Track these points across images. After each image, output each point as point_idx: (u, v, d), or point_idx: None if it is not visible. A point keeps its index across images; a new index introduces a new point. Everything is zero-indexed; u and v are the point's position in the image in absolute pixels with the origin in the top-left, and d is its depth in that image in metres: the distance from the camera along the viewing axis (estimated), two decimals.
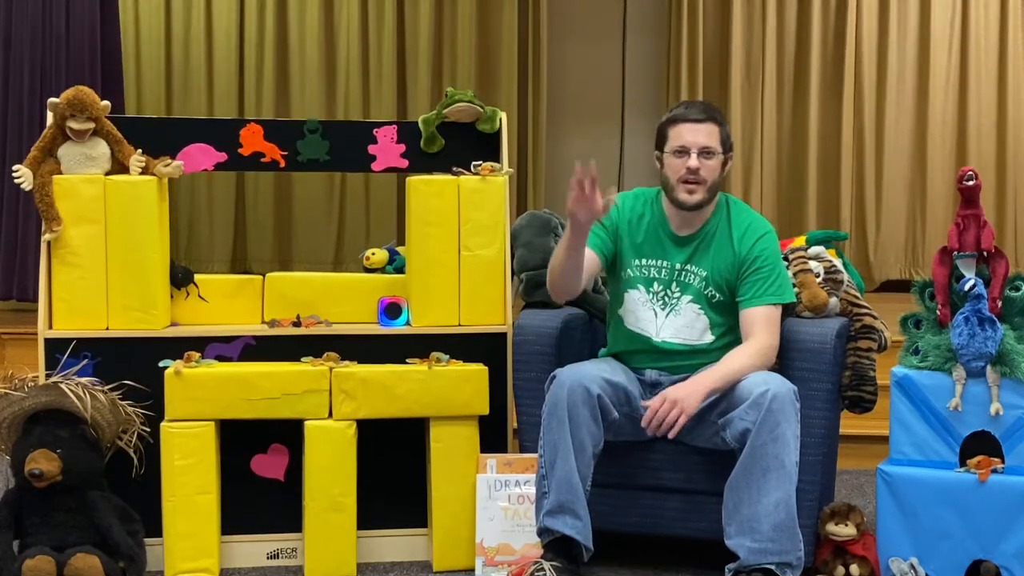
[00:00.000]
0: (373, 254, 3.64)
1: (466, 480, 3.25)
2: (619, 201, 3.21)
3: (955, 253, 3.06)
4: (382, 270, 3.62)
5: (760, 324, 3.06)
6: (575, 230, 2.93)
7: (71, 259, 3.25)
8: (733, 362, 3.02)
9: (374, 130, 3.55)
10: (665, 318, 3.15)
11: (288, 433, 3.26)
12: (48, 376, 3.16)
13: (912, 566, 3.01)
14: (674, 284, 3.14)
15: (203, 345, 3.30)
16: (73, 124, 3.26)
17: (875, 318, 3.32)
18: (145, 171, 3.30)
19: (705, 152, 3.09)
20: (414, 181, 3.44)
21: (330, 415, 3.22)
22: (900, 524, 3.03)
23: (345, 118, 6.81)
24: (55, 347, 3.23)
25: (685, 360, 3.14)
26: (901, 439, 3.07)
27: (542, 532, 3.02)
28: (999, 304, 3.01)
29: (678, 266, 3.14)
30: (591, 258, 3.12)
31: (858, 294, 3.39)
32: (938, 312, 3.07)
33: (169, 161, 3.33)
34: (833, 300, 3.26)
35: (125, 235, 3.26)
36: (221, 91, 6.94)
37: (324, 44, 6.99)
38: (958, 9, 7.05)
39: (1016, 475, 2.94)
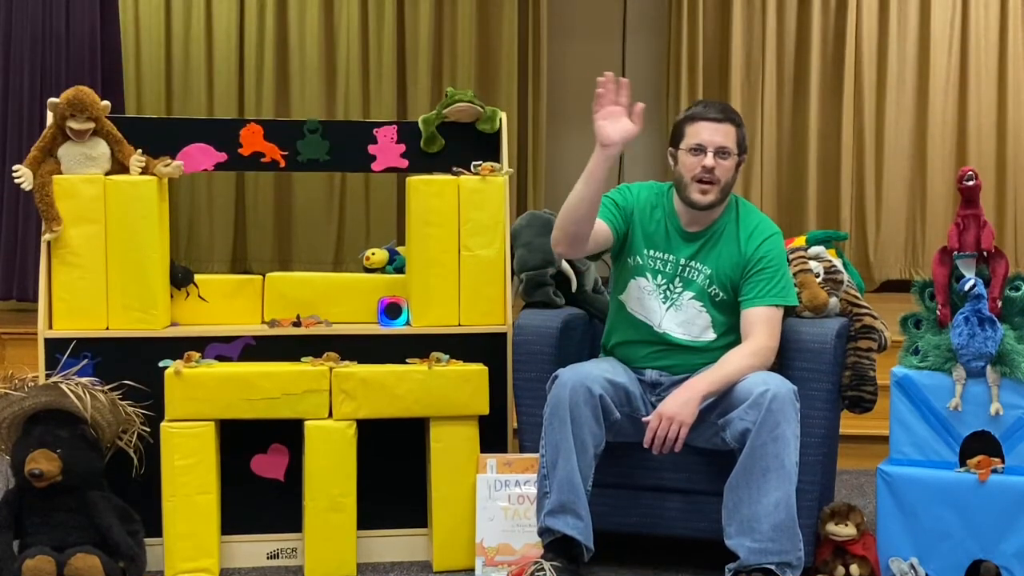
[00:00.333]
0: (373, 254, 3.64)
1: (466, 480, 3.25)
2: (634, 189, 3.21)
3: (955, 253, 3.06)
4: (382, 270, 3.62)
5: (760, 324, 3.06)
6: (601, 155, 2.89)
7: (71, 259, 3.25)
8: (729, 364, 3.01)
9: (374, 130, 3.54)
10: (666, 311, 3.15)
11: (288, 433, 3.26)
12: (48, 376, 3.16)
13: (912, 566, 3.01)
14: (677, 279, 3.14)
15: (203, 345, 3.30)
16: (73, 124, 3.26)
17: (875, 318, 3.32)
18: (145, 171, 3.30)
19: (721, 152, 3.08)
20: (414, 181, 3.44)
21: (330, 415, 3.22)
22: (900, 524, 3.03)
23: (345, 118, 6.81)
24: (55, 347, 3.23)
25: (685, 357, 3.13)
26: (901, 439, 3.07)
27: (543, 532, 3.02)
28: (999, 304, 3.01)
29: (683, 261, 3.14)
30: (603, 228, 3.09)
31: (858, 294, 3.39)
32: (938, 312, 3.07)
33: (169, 161, 3.33)
34: (833, 300, 3.26)
35: (125, 235, 3.26)
36: (221, 91, 6.95)
37: (324, 44, 7.00)
38: (958, 9, 7.06)
39: (1016, 475, 2.94)
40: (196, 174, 3.85)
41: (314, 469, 3.20)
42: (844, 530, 3.11)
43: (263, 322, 3.44)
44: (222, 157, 3.48)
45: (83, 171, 3.28)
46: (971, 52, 7.07)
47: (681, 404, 2.93)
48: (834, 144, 7.14)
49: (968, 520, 2.95)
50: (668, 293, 3.15)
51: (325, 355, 3.27)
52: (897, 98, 7.12)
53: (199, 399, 3.17)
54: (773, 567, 2.88)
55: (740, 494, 2.90)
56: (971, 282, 3.00)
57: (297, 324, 3.39)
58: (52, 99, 3.29)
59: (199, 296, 3.44)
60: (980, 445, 2.98)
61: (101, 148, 3.30)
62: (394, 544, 3.36)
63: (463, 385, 3.27)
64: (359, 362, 3.28)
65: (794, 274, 3.23)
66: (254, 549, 3.30)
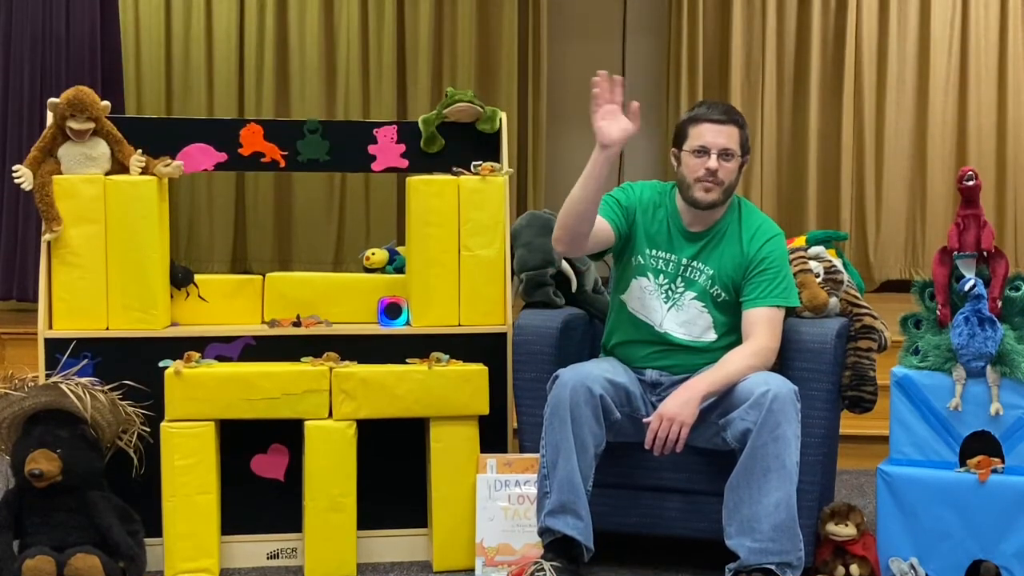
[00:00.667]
0: (373, 254, 3.64)
1: (466, 480, 3.25)
2: (636, 188, 3.22)
3: (955, 253, 3.06)
4: (382, 270, 3.62)
5: (760, 325, 3.06)
6: (601, 155, 2.90)
7: (71, 259, 3.25)
8: (729, 364, 3.01)
9: (374, 130, 3.54)
10: (667, 311, 3.15)
11: (288, 433, 3.26)
12: (48, 376, 3.16)
13: (912, 566, 3.01)
14: (679, 279, 3.14)
15: (203, 345, 3.30)
16: (73, 124, 3.26)
17: (875, 318, 3.32)
18: (145, 171, 3.30)
19: (725, 154, 3.08)
20: (414, 181, 3.44)
21: (330, 415, 3.22)
22: (900, 524, 3.03)
23: (345, 118, 6.82)
24: (55, 347, 3.23)
25: (686, 357, 3.13)
26: (901, 439, 3.07)
27: (543, 532, 3.02)
28: (999, 304, 3.01)
29: (685, 261, 3.14)
30: (604, 227, 3.09)
31: (858, 294, 3.39)
32: (938, 312, 3.07)
33: (169, 161, 3.33)
34: (833, 300, 3.26)
35: (125, 235, 3.26)
36: (221, 91, 6.95)
37: (324, 44, 7.00)
38: (958, 9, 7.06)
39: (1016, 475, 2.94)
40: (196, 174, 3.84)
41: (314, 469, 3.20)
42: (844, 530, 3.11)
43: (263, 322, 3.44)
44: (222, 157, 3.48)
45: (83, 171, 3.28)
46: (971, 52, 7.07)
47: (681, 404, 2.93)
48: (834, 144, 7.14)
49: (968, 520, 2.95)
50: (670, 293, 3.15)
51: (325, 355, 3.27)
52: (897, 98, 7.12)
53: (199, 399, 3.17)
54: (773, 567, 2.88)
55: (741, 494, 2.90)
56: (971, 282, 3.00)
57: (297, 324, 3.39)
58: (52, 99, 3.29)
59: (199, 296, 3.43)
60: (980, 445, 2.98)
61: (101, 148, 3.30)
62: (394, 544, 3.36)
63: (463, 385, 3.27)
64: (359, 362, 3.28)
65: (794, 274, 3.23)
66: (254, 549, 3.30)
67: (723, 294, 3.13)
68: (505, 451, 3.38)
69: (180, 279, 3.41)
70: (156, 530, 3.18)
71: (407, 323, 3.43)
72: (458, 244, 3.40)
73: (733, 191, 3.15)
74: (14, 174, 3.25)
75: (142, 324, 3.28)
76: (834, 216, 7.12)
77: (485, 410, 3.29)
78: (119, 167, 3.31)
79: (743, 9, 7.13)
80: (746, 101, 7.09)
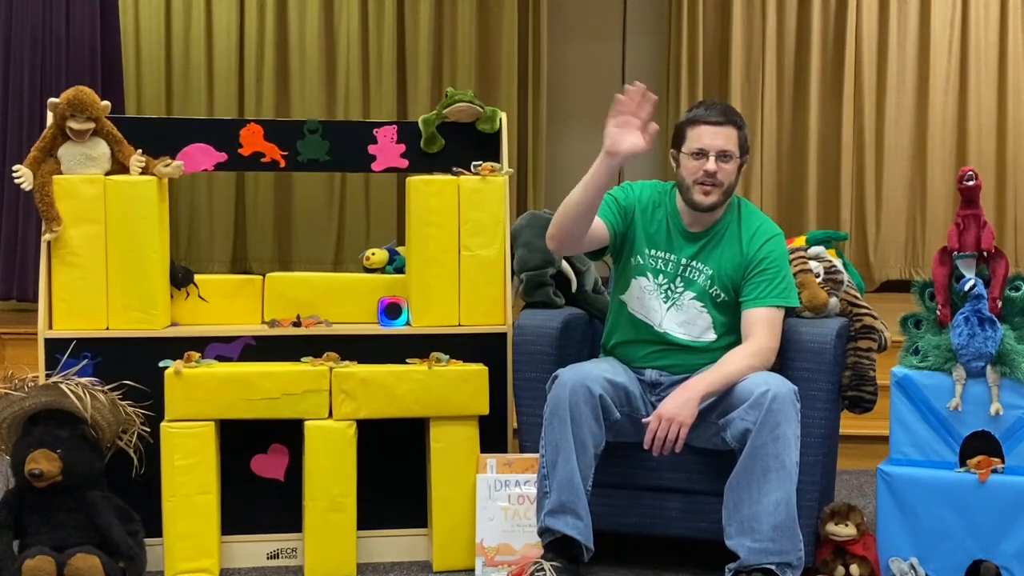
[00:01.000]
0: (373, 254, 3.64)
1: (466, 480, 3.25)
2: (636, 188, 3.22)
3: (955, 253, 3.06)
4: (382, 270, 3.62)
5: (760, 325, 3.06)
6: (604, 162, 2.89)
7: (71, 259, 3.25)
8: (729, 364, 3.01)
9: (374, 130, 3.54)
10: (667, 311, 3.15)
11: (288, 433, 3.26)
12: (48, 376, 3.16)
13: (912, 566, 3.01)
14: (678, 279, 3.14)
15: (203, 345, 3.30)
16: (73, 124, 3.26)
17: (875, 318, 3.32)
18: (145, 171, 3.30)
19: (723, 156, 3.08)
20: (414, 181, 3.44)
21: (330, 415, 3.22)
22: (900, 524, 3.03)
23: (345, 118, 6.82)
24: (55, 347, 3.23)
25: (685, 357, 3.13)
26: (901, 439, 3.07)
27: (543, 532, 3.02)
28: (999, 304, 3.01)
29: (684, 261, 3.14)
30: (600, 227, 3.09)
31: (858, 294, 3.39)
32: (938, 312, 3.07)
33: (169, 161, 3.33)
34: (833, 300, 3.26)
35: (125, 235, 3.26)
36: (221, 91, 6.95)
37: (324, 44, 7.00)
38: (958, 9, 7.06)
39: (1016, 475, 2.94)
40: (196, 174, 3.84)
41: (314, 469, 3.20)
42: (844, 530, 3.11)
43: (263, 322, 3.44)
44: (222, 157, 3.48)
45: (83, 171, 3.28)
46: (971, 52, 7.08)
47: (680, 405, 2.93)
48: (834, 144, 7.14)
49: (968, 520, 2.95)
50: (669, 293, 3.15)
51: (325, 355, 3.27)
52: (897, 98, 7.12)
53: (199, 399, 3.17)
54: (773, 567, 2.88)
55: (740, 494, 2.90)
56: (971, 282, 3.00)
57: (297, 324, 3.39)
58: (52, 99, 3.29)
59: (199, 296, 3.43)
60: (980, 445, 2.98)
61: (101, 148, 3.30)
62: (394, 544, 3.36)
63: (463, 385, 3.27)
64: (359, 362, 3.28)
65: (794, 274, 3.23)
66: (254, 549, 3.30)
67: (722, 294, 3.13)
68: (505, 451, 3.38)
69: (180, 279, 3.41)
70: (156, 530, 3.18)
71: (407, 323, 3.43)
72: (458, 244, 3.40)
73: (733, 191, 3.15)
74: (14, 174, 3.25)
75: (142, 324, 3.28)
76: (834, 216, 7.13)
77: (485, 410, 3.29)
78: (119, 167, 3.31)
79: (743, 9, 7.13)
80: (746, 101, 7.09)
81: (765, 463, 2.87)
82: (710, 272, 3.13)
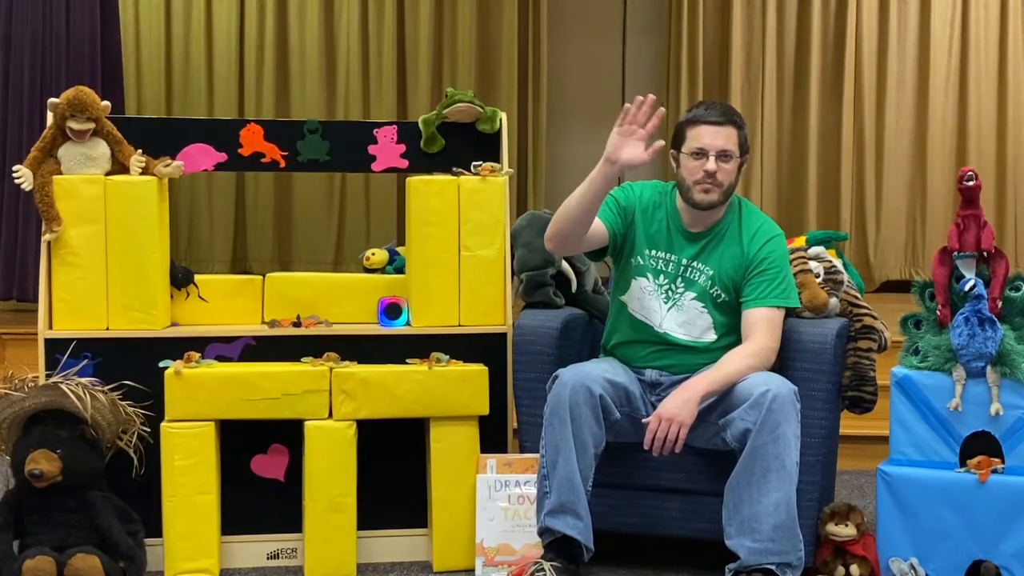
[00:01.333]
0: (373, 254, 3.64)
1: (466, 480, 3.25)
2: (636, 188, 3.22)
3: (955, 253, 3.06)
4: (382, 270, 3.62)
5: (760, 325, 3.06)
6: (603, 169, 2.90)
7: (71, 259, 3.25)
8: (729, 364, 3.01)
9: (374, 130, 3.54)
10: (667, 311, 3.15)
11: (288, 433, 3.26)
12: (48, 376, 3.16)
13: (912, 566, 3.01)
14: (679, 280, 3.14)
15: (203, 345, 3.30)
16: (73, 124, 3.26)
17: (875, 318, 3.32)
18: (145, 171, 3.30)
19: (723, 155, 3.08)
20: (414, 181, 3.44)
21: (330, 415, 3.22)
22: (900, 524, 3.03)
23: (345, 118, 6.81)
24: (55, 347, 3.23)
25: (685, 357, 3.13)
26: (901, 439, 3.07)
27: (543, 532, 3.02)
28: (999, 304, 3.01)
29: (685, 262, 3.14)
30: (599, 227, 3.09)
31: (858, 294, 3.39)
32: (938, 312, 3.07)
33: (169, 161, 3.33)
34: (833, 300, 3.26)
35: (125, 235, 3.26)
36: (221, 91, 6.95)
37: (324, 44, 7.00)
38: (958, 9, 7.06)
39: (1016, 475, 2.94)
40: (196, 174, 3.85)
41: (314, 469, 3.20)
42: (844, 530, 3.11)
43: (263, 322, 3.44)
44: (222, 157, 3.48)
45: (83, 171, 3.28)
46: (971, 52, 7.07)
47: (680, 405, 2.93)
48: (834, 144, 7.14)
49: (968, 520, 2.95)
50: (670, 293, 3.15)
51: (325, 355, 3.27)
52: (897, 98, 7.12)
53: (199, 399, 3.17)
54: (773, 567, 2.88)
55: (740, 494, 2.90)
56: (971, 282, 3.00)
57: (297, 324, 3.39)
58: (52, 99, 3.29)
59: (199, 296, 3.44)
60: (980, 445, 2.98)
61: (101, 148, 3.30)
62: (394, 544, 3.36)
63: (463, 385, 3.27)
64: (359, 362, 3.28)
65: (794, 274, 3.23)
66: (254, 549, 3.31)
67: (723, 294, 3.13)
68: (505, 451, 3.38)
69: (180, 279, 3.41)
70: (156, 530, 3.18)
71: (407, 323, 3.43)
72: (458, 244, 3.40)
73: (733, 191, 3.15)
74: (14, 174, 3.25)
75: (142, 324, 3.28)
76: (834, 216, 7.12)
77: (485, 410, 3.29)
78: (119, 167, 3.31)
79: (743, 9, 7.13)
80: (746, 101, 7.09)
81: (765, 463, 2.87)
82: (711, 272, 3.13)
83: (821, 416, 3.09)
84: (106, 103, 3.32)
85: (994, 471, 2.94)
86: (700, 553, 3.24)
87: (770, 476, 2.87)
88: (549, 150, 7.17)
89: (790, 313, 3.17)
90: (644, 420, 2.98)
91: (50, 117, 3.29)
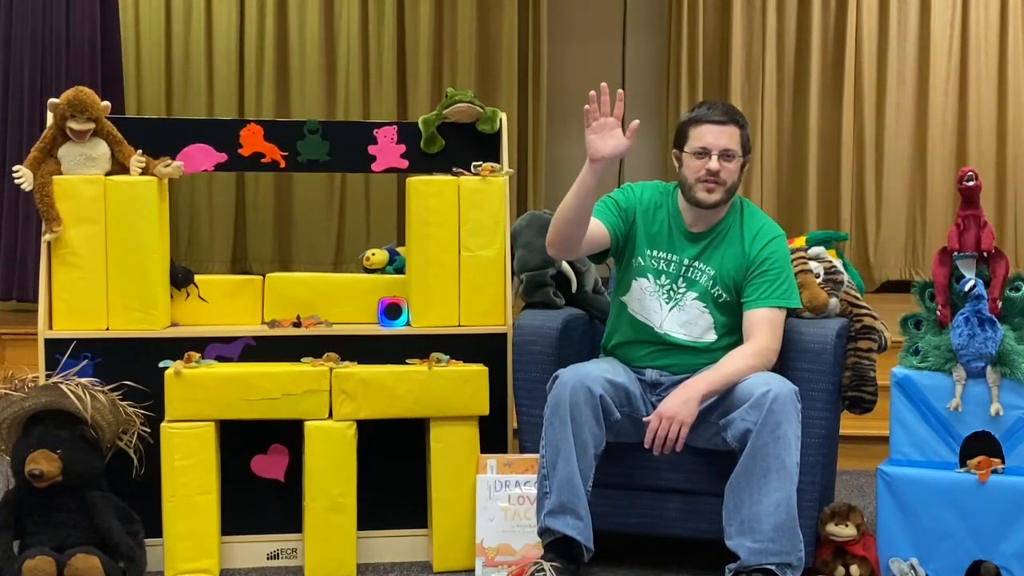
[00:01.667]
0: (373, 254, 3.64)
1: (466, 480, 3.25)
2: (637, 189, 3.22)
3: (955, 253, 3.06)
4: (382, 270, 3.62)
5: (762, 326, 3.06)
6: (591, 168, 2.90)
7: (71, 259, 3.25)
8: (729, 364, 3.01)
9: (374, 130, 3.55)
10: (669, 312, 3.15)
11: (288, 433, 3.26)
12: (48, 376, 3.16)
13: (912, 566, 3.01)
14: (680, 280, 3.14)
15: (203, 345, 3.30)
16: (73, 124, 3.26)
17: (875, 318, 3.32)
18: (145, 171, 3.30)
19: (726, 155, 3.08)
20: (414, 181, 3.44)
21: (330, 415, 3.22)
22: (900, 524, 3.03)
23: (345, 118, 6.82)
24: (55, 347, 3.23)
25: (685, 357, 3.13)
26: (901, 439, 3.07)
27: (543, 532, 3.02)
28: (999, 304, 3.01)
29: (687, 262, 3.14)
30: (600, 229, 3.10)
31: (858, 294, 3.39)
32: (938, 313, 3.07)
33: (169, 161, 3.33)
34: (833, 300, 3.26)
35: (125, 235, 3.26)
36: (221, 91, 6.95)
37: (324, 44, 7.00)
38: (958, 9, 7.06)
39: (1016, 475, 2.94)
40: (196, 174, 3.85)
41: (314, 469, 3.20)
42: (844, 530, 3.11)
43: (263, 322, 3.44)
44: (222, 157, 3.48)
45: (83, 171, 3.28)
46: (971, 52, 7.07)
47: (681, 404, 2.93)
48: (834, 144, 7.14)
49: (968, 520, 2.95)
50: (672, 293, 3.15)
51: (325, 355, 3.27)
52: (897, 98, 7.12)
53: (199, 399, 3.17)
54: (773, 567, 2.88)
55: (741, 494, 2.90)
56: (971, 282, 3.00)
57: (297, 324, 3.39)
58: (52, 100, 3.29)
59: (199, 296, 3.44)
60: (980, 445, 2.98)
61: (101, 148, 3.30)
62: (394, 544, 3.36)
63: (463, 385, 3.27)
64: (359, 362, 3.28)
65: (795, 274, 3.23)
66: (254, 549, 3.31)
67: (724, 295, 3.13)
68: (505, 451, 3.38)
69: (180, 279, 3.41)
70: (156, 530, 3.18)
71: (407, 323, 3.43)
72: (458, 244, 3.40)
73: (735, 191, 3.15)
74: (14, 174, 3.25)
75: (142, 324, 3.28)
76: (834, 216, 7.12)
77: (485, 410, 3.29)
78: (119, 167, 3.31)
79: (743, 9, 7.13)
80: (746, 101, 7.09)
81: (765, 463, 2.87)
82: (712, 272, 3.13)
83: (821, 416, 3.09)
84: (106, 103, 3.32)
85: (994, 471, 2.94)
86: (700, 553, 3.24)
87: (770, 476, 2.87)
88: (549, 150, 7.17)
89: (790, 313, 3.17)
90: (644, 419, 2.99)
91: (50, 117, 3.29)
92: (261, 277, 3.51)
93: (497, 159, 3.51)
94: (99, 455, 3.14)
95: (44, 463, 3.00)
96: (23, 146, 5.37)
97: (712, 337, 3.14)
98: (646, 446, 2.95)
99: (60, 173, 3.27)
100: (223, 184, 6.89)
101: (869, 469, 3.54)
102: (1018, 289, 3.02)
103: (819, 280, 3.26)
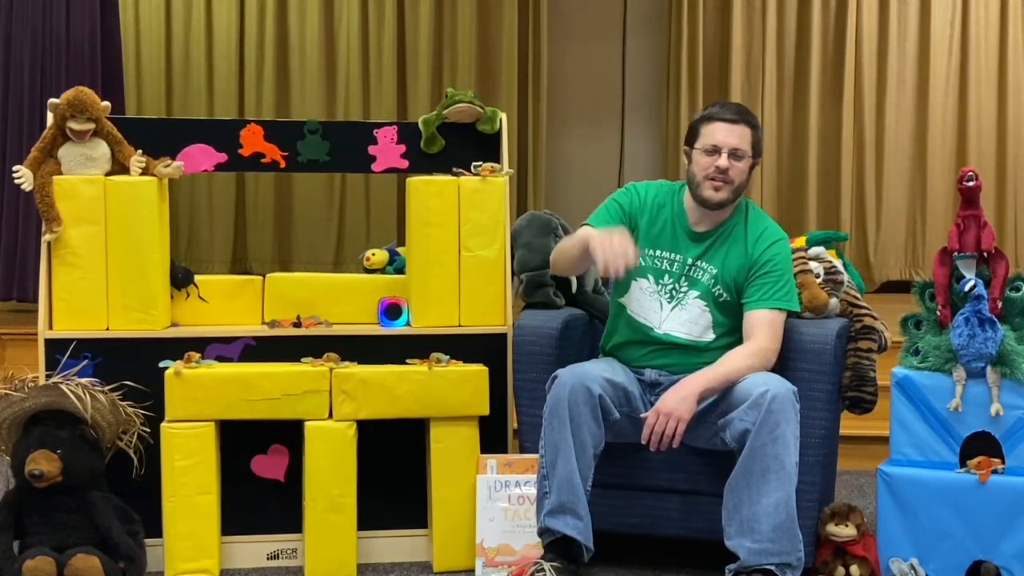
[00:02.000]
0: (373, 255, 3.64)
1: (466, 481, 3.25)
2: (641, 189, 3.22)
3: (955, 254, 3.06)
4: (382, 271, 3.63)
5: (762, 326, 3.06)
6: (587, 244, 2.96)
7: (71, 259, 3.25)
8: (728, 363, 3.01)
9: (374, 131, 3.55)
10: (671, 311, 3.15)
11: (288, 434, 3.26)
12: (48, 377, 3.16)
13: (912, 567, 3.01)
14: (683, 279, 3.14)
15: (203, 346, 3.30)
16: (73, 125, 3.25)
17: (875, 319, 3.32)
18: (145, 172, 3.30)
19: (735, 153, 3.09)
20: (414, 181, 3.44)
21: (330, 416, 3.22)
22: (900, 525, 3.03)
23: (345, 118, 6.81)
24: (55, 347, 3.23)
25: (684, 356, 3.13)
26: (901, 440, 3.07)
27: (543, 532, 3.02)
28: (999, 305, 3.01)
29: (690, 261, 3.14)
30: None
31: (858, 295, 3.39)
32: (938, 313, 3.07)
33: (169, 162, 3.33)
34: (833, 301, 3.26)
35: (125, 235, 3.26)
36: (221, 91, 6.95)
37: (324, 44, 7.00)
38: (958, 9, 7.06)
39: (1016, 476, 2.94)
40: (196, 174, 3.85)
41: (314, 470, 3.20)
42: (844, 531, 3.11)
43: (263, 323, 3.44)
44: (222, 158, 3.48)
45: (83, 172, 3.28)
46: (971, 52, 7.07)
47: (679, 400, 2.93)
48: (834, 144, 7.14)
49: (968, 521, 2.95)
50: (674, 293, 3.15)
51: (325, 356, 3.27)
52: (897, 98, 7.12)
53: (199, 400, 3.17)
54: (773, 568, 2.88)
55: (740, 495, 2.90)
56: (971, 283, 3.00)
57: (297, 325, 3.39)
58: (52, 100, 3.29)
59: (199, 297, 3.44)
60: (980, 446, 2.98)
61: (101, 149, 3.30)
62: (394, 545, 3.36)
63: (463, 386, 3.27)
64: (359, 363, 3.28)
65: (794, 275, 3.23)
66: (254, 549, 3.31)
67: (725, 294, 3.13)
68: (505, 451, 3.38)
69: (180, 279, 3.41)
70: (156, 530, 3.18)
71: (407, 324, 3.43)
72: (458, 244, 3.40)
73: (742, 191, 3.16)
74: (14, 174, 3.25)
75: (142, 324, 3.28)
76: (834, 216, 7.12)
77: (485, 411, 3.29)
78: (119, 168, 3.31)
79: (743, 9, 7.13)
80: (746, 101, 7.07)
81: (764, 464, 2.87)
82: (714, 271, 3.13)
83: (821, 416, 3.09)
84: (106, 103, 3.32)
85: (994, 471, 2.94)
86: (700, 553, 3.24)
87: (769, 477, 2.87)
88: (549, 150, 7.17)
89: (790, 315, 3.17)
90: (642, 416, 2.99)
91: (50, 117, 3.29)
92: (261, 277, 3.51)
93: (497, 159, 3.51)
94: (99, 455, 3.14)
95: (44, 463, 3.00)
96: (23, 146, 5.37)
97: (710, 336, 3.14)
98: (643, 442, 2.95)
99: (60, 173, 3.27)
100: (223, 184, 6.89)
101: (869, 469, 3.53)
102: (1018, 289, 3.03)
103: (819, 280, 3.26)
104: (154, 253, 3.29)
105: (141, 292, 3.28)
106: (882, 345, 3.31)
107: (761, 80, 7.14)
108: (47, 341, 3.24)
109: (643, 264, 3.17)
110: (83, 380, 3.12)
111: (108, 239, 3.26)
